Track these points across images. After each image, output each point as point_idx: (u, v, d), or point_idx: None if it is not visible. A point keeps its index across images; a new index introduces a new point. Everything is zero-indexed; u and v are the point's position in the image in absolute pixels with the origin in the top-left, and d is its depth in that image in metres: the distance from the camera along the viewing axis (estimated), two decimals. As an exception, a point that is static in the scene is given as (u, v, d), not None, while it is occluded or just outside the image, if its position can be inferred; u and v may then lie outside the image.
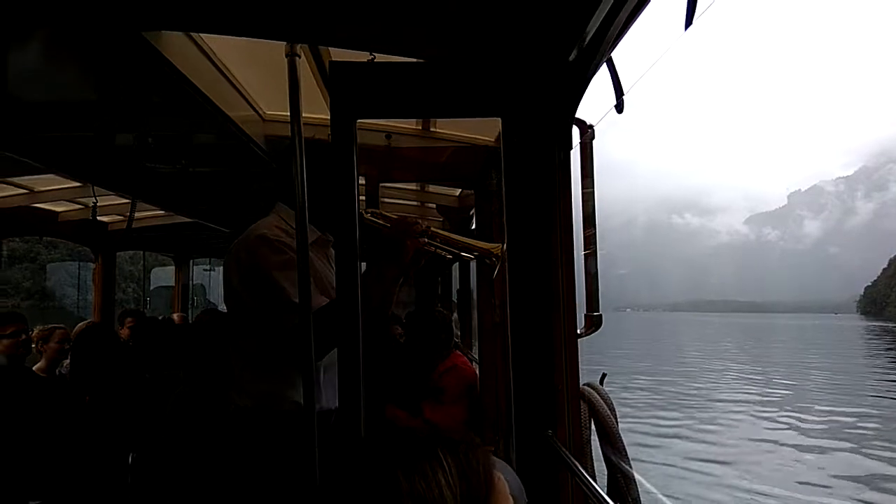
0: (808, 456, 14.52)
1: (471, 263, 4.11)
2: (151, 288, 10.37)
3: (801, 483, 12.25)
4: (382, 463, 0.81)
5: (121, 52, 2.11)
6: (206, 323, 4.15)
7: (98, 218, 5.18)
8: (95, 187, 4.36)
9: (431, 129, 3.27)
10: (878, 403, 22.11)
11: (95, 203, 4.71)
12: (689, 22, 1.14)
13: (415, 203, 4.92)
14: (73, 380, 3.66)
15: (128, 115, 2.98)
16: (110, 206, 5.10)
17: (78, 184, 4.45)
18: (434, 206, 4.73)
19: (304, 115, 1.72)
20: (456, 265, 4.88)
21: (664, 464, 13.01)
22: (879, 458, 14.43)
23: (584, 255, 2.03)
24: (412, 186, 4.59)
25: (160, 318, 5.54)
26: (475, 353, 3.87)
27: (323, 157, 1.91)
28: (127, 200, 4.90)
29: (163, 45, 2.03)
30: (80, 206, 5.07)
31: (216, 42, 2.37)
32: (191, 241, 7.13)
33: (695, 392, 23.95)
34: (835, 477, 12.86)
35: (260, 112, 3.08)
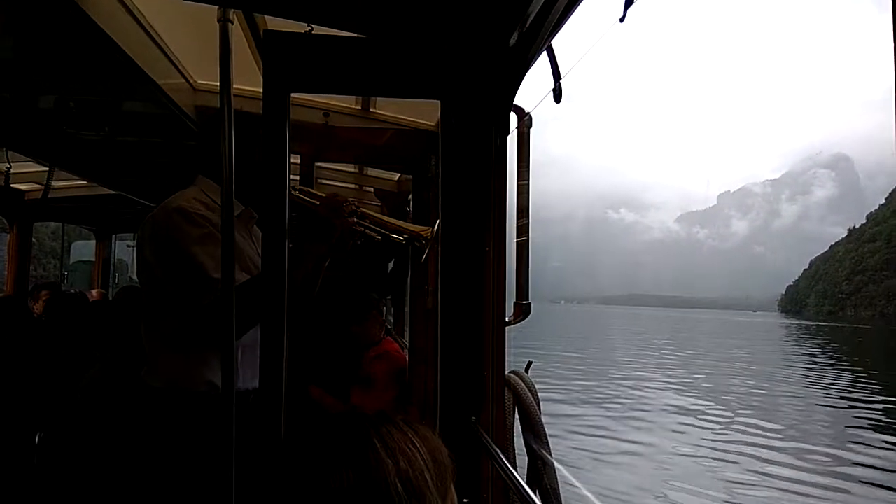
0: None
1: (408, 249, 4.08)
2: (71, 262, 9.89)
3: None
4: (352, 441, 0.68)
5: (40, 8, 1.98)
6: (125, 301, 4.00)
7: (13, 185, 4.90)
8: (10, 152, 4.11)
9: (371, 110, 3.21)
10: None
11: (9, 169, 4.45)
12: (627, 9, 1.15)
13: (352, 186, 4.85)
14: (-21, 355, 3.46)
15: (47, 76, 2.80)
16: (27, 173, 4.80)
17: (-9, 147, 4.17)
18: (372, 189, 4.67)
19: (235, 85, 1.63)
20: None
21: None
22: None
23: (517, 244, 2.03)
24: (350, 168, 4.51)
25: (73, 292, 5.28)
26: (407, 339, 3.85)
27: (253, 131, 1.83)
28: (45, 168, 4.63)
29: (86, 3, 1.90)
30: (-7, 172, 4.76)
31: (144, 2, 2.24)
32: (114, 215, 6.80)
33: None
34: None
35: (191, 81, 2.94)
